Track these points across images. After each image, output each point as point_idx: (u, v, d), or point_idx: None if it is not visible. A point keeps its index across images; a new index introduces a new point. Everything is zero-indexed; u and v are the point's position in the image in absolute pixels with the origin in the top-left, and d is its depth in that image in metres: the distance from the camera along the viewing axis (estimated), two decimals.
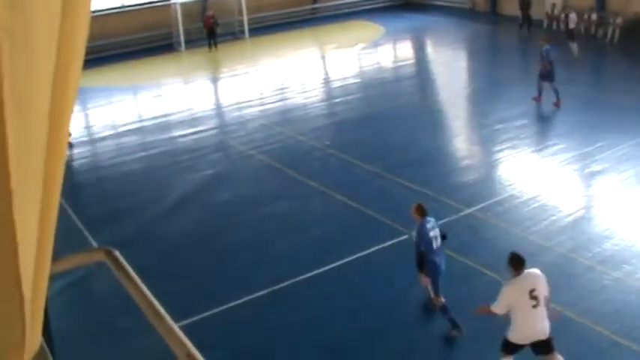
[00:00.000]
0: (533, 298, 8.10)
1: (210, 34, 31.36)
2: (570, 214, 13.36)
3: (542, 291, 8.20)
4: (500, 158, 16.69)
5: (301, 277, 11.73)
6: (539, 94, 19.73)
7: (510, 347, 8.45)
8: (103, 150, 19.79)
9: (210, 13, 31.80)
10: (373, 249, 12.43)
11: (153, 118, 22.16)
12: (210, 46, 31.49)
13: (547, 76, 19.38)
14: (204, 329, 10.30)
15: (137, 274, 2.47)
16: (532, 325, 8.20)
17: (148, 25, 32.95)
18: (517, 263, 8.31)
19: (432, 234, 9.72)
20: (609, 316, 10.13)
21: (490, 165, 16.47)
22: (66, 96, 1.61)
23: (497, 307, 8.26)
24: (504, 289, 8.27)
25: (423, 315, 10.63)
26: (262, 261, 12.52)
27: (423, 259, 9.78)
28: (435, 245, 9.74)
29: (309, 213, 14.26)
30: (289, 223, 13.98)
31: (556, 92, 19.34)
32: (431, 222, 9.84)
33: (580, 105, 20.19)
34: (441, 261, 9.85)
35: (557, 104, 19.48)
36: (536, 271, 8.39)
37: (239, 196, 15.52)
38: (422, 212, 9.86)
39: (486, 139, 18.24)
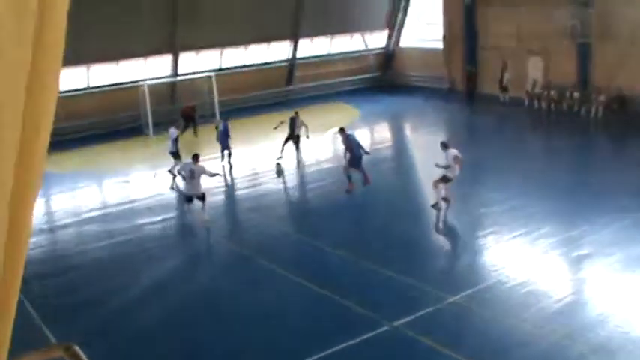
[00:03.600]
0: (191, 172, 18.31)
1: (189, 120, 31.32)
2: (560, 300, 13.31)
3: (197, 171, 18.37)
4: (483, 243, 16.75)
5: None
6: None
7: (186, 198, 19.09)
8: (65, 238, 19.53)
9: (191, 104, 31.66)
10: (349, 342, 12.17)
11: (119, 205, 22.04)
12: (184, 130, 31.30)
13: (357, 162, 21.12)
14: None
15: None
16: (191, 187, 18.69)
17: (115, 107, 33.13)
18: (196, 157, 18.78)
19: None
20: None
21: (474, 250, 16.49)
22: (30, 176, 1.58)
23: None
24: (198, 167, 18.62)
25: None
26: (235, 354, 12.25)
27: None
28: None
29: (282, 304, 14.06)
30: (262, 315, 13.73)
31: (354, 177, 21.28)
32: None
33: (563, 187, 20.48)
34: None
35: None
36: (200, 163, 18.68)
37: (209, 286, 15.30)
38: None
39: (468, 223, 18.33)
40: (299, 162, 25.63)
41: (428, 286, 14.07)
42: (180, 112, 31.58)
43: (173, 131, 24.48)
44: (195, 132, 31.53)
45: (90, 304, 14.79)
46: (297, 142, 25.74)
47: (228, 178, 25.26)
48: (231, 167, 25.46)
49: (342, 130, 21.66)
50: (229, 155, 26.13)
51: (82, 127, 32.06)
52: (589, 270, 14.87)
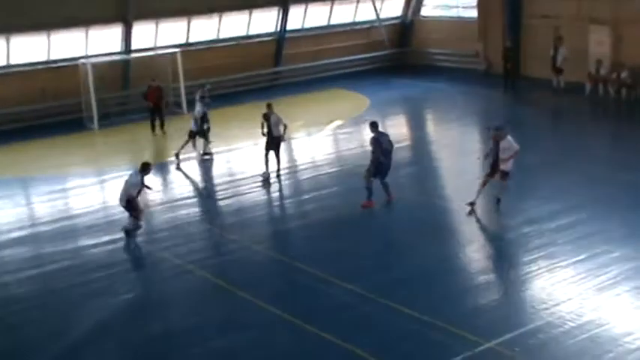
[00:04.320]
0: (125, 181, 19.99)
1: (156, 110, 31.38)
2: (635, 350, 13.23)
3: (128, 183, 19.63)
4: (531, 272, 16.69)
5: None
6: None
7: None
8: None
9: (155, 83, 31.55)
10: None
11: (52, 222, 21.97)
12: (153, 126, 31.54)
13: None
14: None
15: None
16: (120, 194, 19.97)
17: (47, 92, 33.04)
18: (144, 167, 19.81)
19: None
20: None
21: (517, 282, 16.45)
22: None
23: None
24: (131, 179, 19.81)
25: None
26: None
27: None
28: None
29: (268, 351, 14.04)
30: None
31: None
32: None
33: (638, 198, 20.47)
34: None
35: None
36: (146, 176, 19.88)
37: (172, 330, 15.25)
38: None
39: (511, 246, 18.32)
40: (286, 168, 25.49)
41: (456, 328, 14.03)
42: (148, 97, 31.45)
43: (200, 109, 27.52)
44: (162, 124, 31.58)
45: (14, 355, 14.69)
46: (277, 148, 24.68)
47: (201, 182, 25.26)
48: (209, 142, 27.83)
49: (373, 127, 21.25)
50: (207, 129, 27.47)
51: (2, 119, 31.90)
52: None
